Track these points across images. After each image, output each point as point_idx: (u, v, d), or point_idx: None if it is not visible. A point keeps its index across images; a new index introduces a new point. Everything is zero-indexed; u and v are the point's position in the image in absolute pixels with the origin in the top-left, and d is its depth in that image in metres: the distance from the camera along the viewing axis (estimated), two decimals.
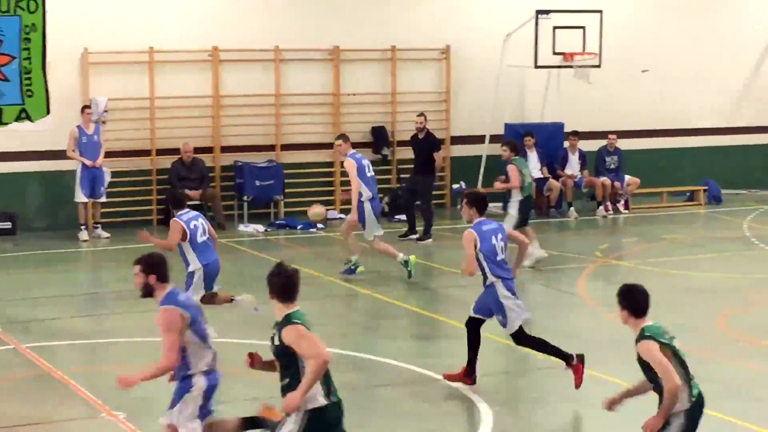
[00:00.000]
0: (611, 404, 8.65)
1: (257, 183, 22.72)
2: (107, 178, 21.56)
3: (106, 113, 21.99)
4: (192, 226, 13.33)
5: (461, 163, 24.86)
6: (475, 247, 11.60)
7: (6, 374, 12.57)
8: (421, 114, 21.61)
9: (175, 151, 22.46)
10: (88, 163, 21.16)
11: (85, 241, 21.16)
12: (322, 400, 7.82)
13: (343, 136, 17.85)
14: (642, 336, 8.13)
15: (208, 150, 23.06)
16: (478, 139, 24.69)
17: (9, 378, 12.45)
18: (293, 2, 23.65)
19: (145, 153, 22.74)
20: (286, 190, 23.15)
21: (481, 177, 24.49)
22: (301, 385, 7.71)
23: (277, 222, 22.78)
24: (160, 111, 22.69)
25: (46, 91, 22.07)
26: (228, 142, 23.17)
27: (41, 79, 22.01)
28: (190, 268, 13.40)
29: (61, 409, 11.23)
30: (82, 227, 21.32)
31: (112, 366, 12.86)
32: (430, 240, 20.83)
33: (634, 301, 8.25)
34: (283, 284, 7.87)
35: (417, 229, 21.04)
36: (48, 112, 22.15)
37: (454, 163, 24.99)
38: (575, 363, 11.63)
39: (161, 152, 22.72)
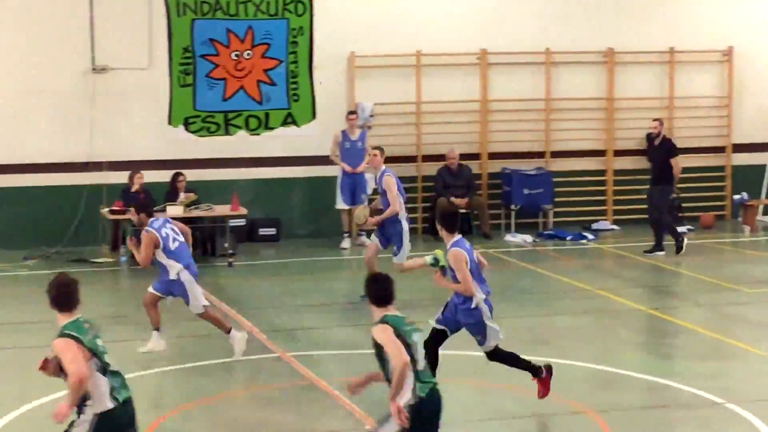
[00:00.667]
0: (353, 387, 8.45)
1: (525, 191, 22.04)
2: (371, 185, 21.08)
3: (372, 118, 21.60)
4: (164, 234, 13.07)
5: (743, 172, 23.56)
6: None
7: (271, 383, 12.59)
8: (657, 119, 20.51)
9: (440, 157, 21.89)
10: (348, 169, 20.80)
11: (345, 249, 20.84)
12: (108, 404, 7.70)
13: (380, 148, 16.59)
14: (381, 320, 7.95)
15: (474, 156, 22.40)
16: (763, 147, 23.53)
17: (274, 387, 12.43)
18: (565, 3, 22.80)
19: (410, 159, 22.24)
20: (556, 199, 22.38)
21: (765, 187, 23.14)
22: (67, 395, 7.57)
23: (546, 232, 21.95)
24: (426, 116, 22.18)
25: (313, 95, 22.05)
26: (495, 149, 22.50)
27: (308, 83, 21.98)
28: (171, 275, 13.01)
29: (324, 419, 11.11)
30: (345, 235, 21.01)
31: None
32: (662, 253, 19.52)
33: (376, 289, 8.06)
34: (60, 294, 7.80)
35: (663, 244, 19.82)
36: (314, 117, 22.18)
37: (736, 172, 23.63)
38: (544, 375, 11.03)
39: (427, 158, 22.20)
